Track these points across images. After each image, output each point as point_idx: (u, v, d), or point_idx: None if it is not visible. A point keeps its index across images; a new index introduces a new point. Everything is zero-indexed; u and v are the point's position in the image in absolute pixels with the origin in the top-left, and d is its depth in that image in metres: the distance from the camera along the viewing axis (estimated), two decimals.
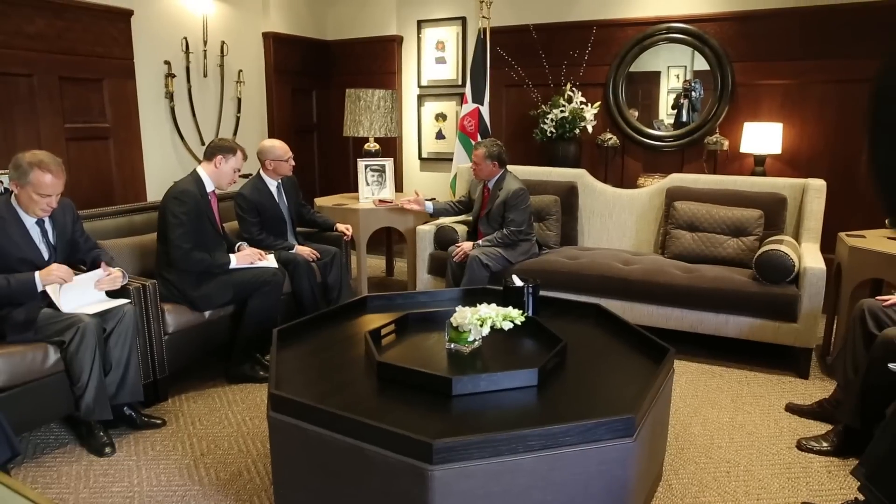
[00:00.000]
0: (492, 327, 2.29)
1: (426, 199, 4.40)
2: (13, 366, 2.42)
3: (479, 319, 2.26)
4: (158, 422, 2.84)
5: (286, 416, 1.89)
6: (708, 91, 4.79)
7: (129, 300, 2.79)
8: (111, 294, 2.81)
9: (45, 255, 2.65)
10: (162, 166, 4.69)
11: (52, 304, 2.63)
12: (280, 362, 2.21)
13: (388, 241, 5.55)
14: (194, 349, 3.22)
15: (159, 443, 2.69)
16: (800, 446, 2.63)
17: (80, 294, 2.67)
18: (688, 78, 4.88)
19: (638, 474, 1.87)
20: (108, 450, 2.59)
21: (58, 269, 2.57)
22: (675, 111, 4.92)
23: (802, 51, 4.48)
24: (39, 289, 2.55)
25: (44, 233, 2.66)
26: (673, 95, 4.95)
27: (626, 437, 1.75)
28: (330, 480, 1.84)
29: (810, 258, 3.37)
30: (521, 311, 2.39)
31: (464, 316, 2.26)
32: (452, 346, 2.29)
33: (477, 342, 2.29)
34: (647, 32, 4.88)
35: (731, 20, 4.66)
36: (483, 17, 5.08)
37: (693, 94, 4.85)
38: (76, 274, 2.68)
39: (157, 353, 3.00)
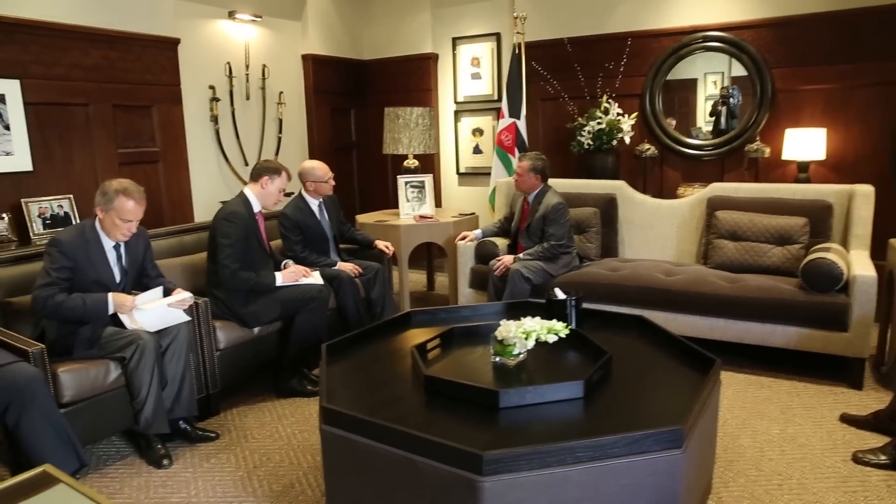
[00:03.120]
0: (536, 340, 2.31)
1: (474, 230, 4.45)
2: (79, 381, 2.56)
3: (524, 333, 2.29)
4: (212, 435, 2.93)
5: (338, 429, 1.94)
6: (747, 98, 4.73)
7: (188, 318, 2.90)
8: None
9: (118, 279, 2.78)
10: (208, 187, 4.86)
11: (115, 322, 2.74)
12: (329, 377, 2.27)
13: (429, 256, 5.62)
14: (244, 364, 3.32)
15: (214, 455, 2.78)
16: (856, 459, 2.56)
17: (153, 316, 2.77)
18: (725, 84, 4.83)
19: (687, 486, 1.87)
20: (165, 462, 2.69)
21: (131, 302, 2.70)
22: (714, 118, 4.88)
23: (843, 55, 4.39)
24: (111, 311, 2.68)
25: (119, 257, 2.80)
26: (710, 102, 4.89)
27: (674, 449, 1.75)
28: (381, 492, 1.88)
29: (860, 265, 3.29)
30: (565, 324, 2.40)
31: (508, 329, 2.29)
32: (498, 359, 2.32)
33: (522, 355, 2.31)
34: (683, 42, 4.86)
35: (767, 27, 4.61)
36: (517, 32, 5.12)
37: (731, 100, 4.79)
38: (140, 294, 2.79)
39: (210, 369, 3.10)
